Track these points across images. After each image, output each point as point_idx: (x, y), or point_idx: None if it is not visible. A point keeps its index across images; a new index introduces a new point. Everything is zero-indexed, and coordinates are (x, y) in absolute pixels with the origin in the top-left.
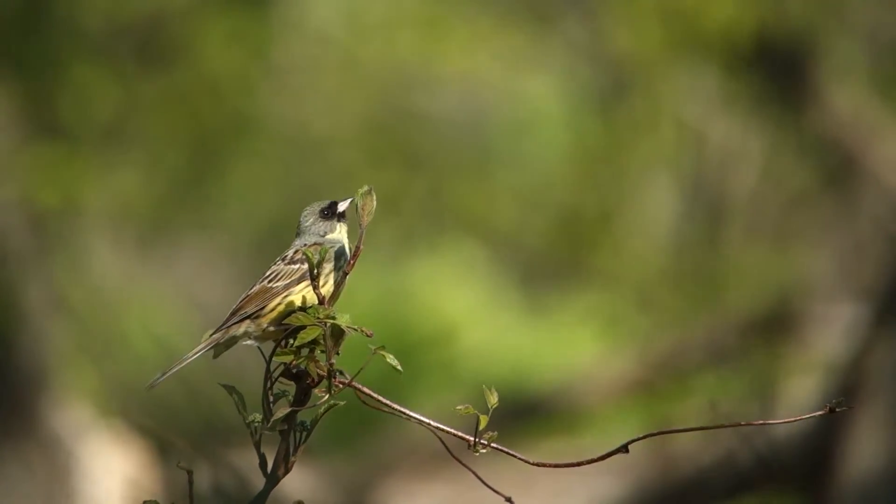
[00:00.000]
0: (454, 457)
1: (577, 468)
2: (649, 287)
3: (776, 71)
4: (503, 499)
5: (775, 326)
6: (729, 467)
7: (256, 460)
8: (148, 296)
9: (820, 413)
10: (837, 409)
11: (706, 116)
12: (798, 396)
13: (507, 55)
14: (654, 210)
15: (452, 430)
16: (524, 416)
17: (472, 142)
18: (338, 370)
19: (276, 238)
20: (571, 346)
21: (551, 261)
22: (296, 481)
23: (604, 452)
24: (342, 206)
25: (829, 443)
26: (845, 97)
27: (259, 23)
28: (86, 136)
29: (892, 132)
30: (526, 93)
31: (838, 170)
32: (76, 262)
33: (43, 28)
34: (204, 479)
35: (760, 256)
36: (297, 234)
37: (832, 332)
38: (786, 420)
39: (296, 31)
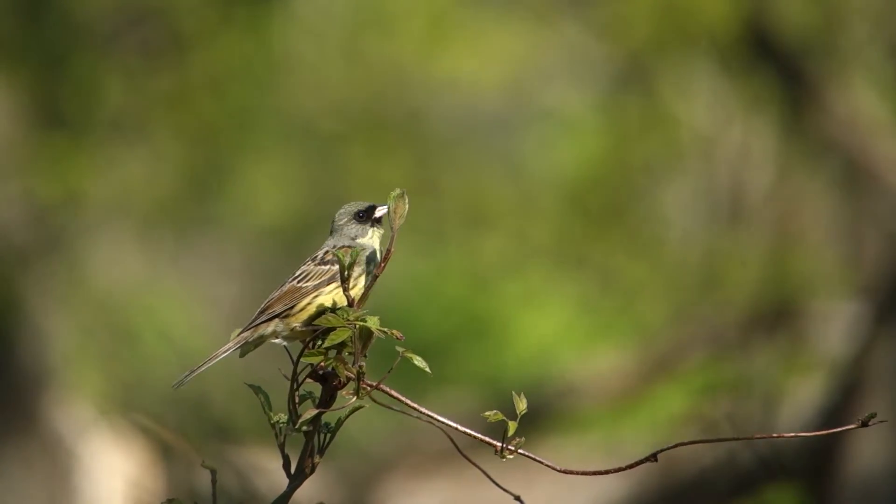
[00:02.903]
0: (468, 459)
1: (578, 467)
2: (653, 283)
3: (781, 71)
4: (511, 497)
5: (778, 324)
6: (730, 467)
7: (257, 458)
8: (152, 292)
9: (852, 427)
10: (870, 423)
11: (712, 116)
12: (801, 395)
13: (514, 53)
14: (659, 208)
15: (478, 435)
16: (529, 414)
17: (472, 139)
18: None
19: (281, 235)
20: (576, 342)
21: (557, 255)
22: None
23: (610, 453)
24: (380, 212)
25: (830, 442)
26: (848, 97)
27: (264, 18)
28: (90, 130)
29: (894, 132)
30: (532, 91)
31: (842, 169)
32: (79, 260)
33: (47, 20)
34: (206, 477)
35: (763, 254)
36: (331, 234)
37: (834, 330)
38: (813, 433)
39: (301, 25)
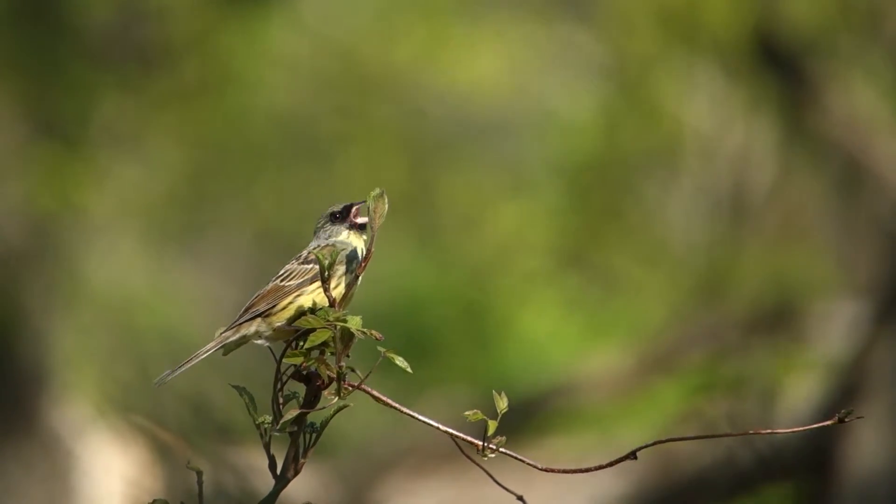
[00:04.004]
0: (467, 456)
1: (576, 465)
2: (653, 282)
3: (782, 71)
4: (512, 497)
5: (777, 323)
6: (730, 467)
7: (256, 459)
8: (152, 293)
9: (829, 423)
10: (846, 420)
11: (713, 116)
12: (799, 394)
13: (513, 53)
14: (660, 208)
15: (461, 435)
16: (526, 412)
17: (470, 140)
18: (349, 368)
19: (277, 237)
20: (575, 341)
21: (555, 255)
22: (297, 478)
23: (607, 451)
24: (358, 219)
25: (830, 442)
26: (848, 97)
27: (262, 21)
28: (87, 136)
29: (894, 132)
30: (533, 94)
31: (842, 169)
32: (79, 262)
33: (42, 28)
34: (206, 478)
35: (763, 254)
36: (315, 236)
37: (833, 330)
38: (793, 430)
39: (299, 28)
